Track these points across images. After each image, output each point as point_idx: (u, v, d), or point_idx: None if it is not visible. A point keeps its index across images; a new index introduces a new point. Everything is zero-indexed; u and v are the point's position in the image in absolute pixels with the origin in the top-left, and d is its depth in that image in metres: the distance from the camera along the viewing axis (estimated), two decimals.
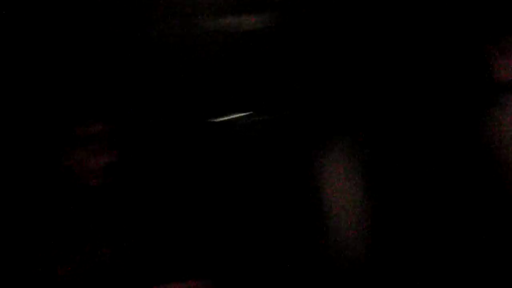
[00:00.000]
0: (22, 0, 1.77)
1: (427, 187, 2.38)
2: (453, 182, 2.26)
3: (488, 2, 1.54)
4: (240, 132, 2.62)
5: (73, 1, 1.81)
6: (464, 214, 2.15)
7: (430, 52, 2.37)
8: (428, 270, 2.31)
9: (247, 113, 2.66)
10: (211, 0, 2.09)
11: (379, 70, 2.44)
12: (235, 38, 2.28)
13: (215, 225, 2.43)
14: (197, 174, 2.48)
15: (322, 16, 2.23)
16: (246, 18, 2.19)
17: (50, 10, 1.80)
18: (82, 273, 1.37)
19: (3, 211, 1.39)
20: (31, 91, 1.38)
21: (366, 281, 2.36)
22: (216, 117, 2.63)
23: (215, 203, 2.49)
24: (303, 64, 2.47)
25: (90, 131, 1.30)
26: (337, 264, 2.46)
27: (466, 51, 2.07)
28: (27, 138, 1.34)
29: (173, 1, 2.05)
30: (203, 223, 2.36)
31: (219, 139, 2.59)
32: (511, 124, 1.74)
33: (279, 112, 2.62)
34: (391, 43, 2.37)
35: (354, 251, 2.46)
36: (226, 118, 2.64)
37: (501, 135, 1.73)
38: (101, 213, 1.45)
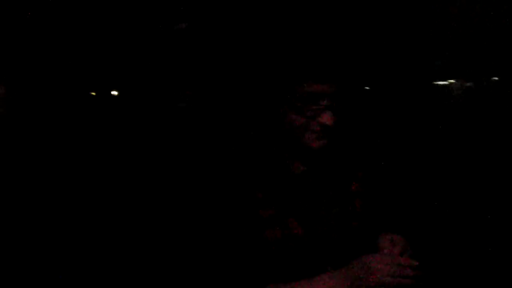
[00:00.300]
0: None
1: None
2: None
3: None
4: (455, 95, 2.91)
5: None
6: None
7: None
8: None
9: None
10: None
11: None
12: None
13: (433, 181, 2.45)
14: (415, 133, 2.59)
15: None
16: None
17: None
18: (312, 234, 1.40)
19: (227, 167, 1.44)
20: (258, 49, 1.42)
21: None
22: (438, 81, 2.96)
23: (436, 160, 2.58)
24: None
25: (316, 90, 1.30)
26: None
27: None
28: (252, 96, 1.37)
29: None
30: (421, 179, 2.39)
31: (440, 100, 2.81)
32: None
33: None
34: None
35: None
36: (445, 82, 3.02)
37: None
38: (319, 174, 1.46)
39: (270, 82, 1.35)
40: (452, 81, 3.15)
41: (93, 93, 3.93)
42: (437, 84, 3.11)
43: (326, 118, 1.32)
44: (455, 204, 2.62)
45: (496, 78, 3.04)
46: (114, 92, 3.70)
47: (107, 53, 3.35)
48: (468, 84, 3.07)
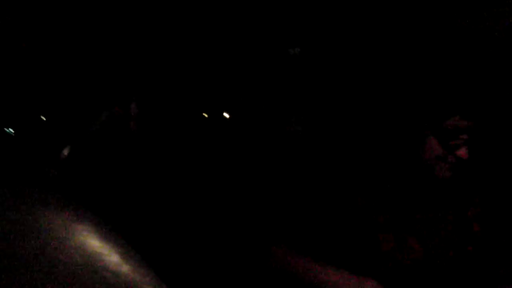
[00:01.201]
0: None
1: None
2: None
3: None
4: None
5: None
6: None
7: None
8: None
9: None
10: None
11: None
12: None
13: None
14: None
15: None
16: None
17: None
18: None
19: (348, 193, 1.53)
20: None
21: None
22: None
23: None
24: None
25: (456, 126, 1.40)
26: None
27: None
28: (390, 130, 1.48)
29: None
30: None
31: None
32: None
33: None
34: None
35: None
36: None
37: None
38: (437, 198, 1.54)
39: (418, 114, 1.42)
40: None
41: (205, 115, 4.20)
42: None
43: (464, 153, 1.41)
44: None
45: None
46: (226, 115, 3.93)
47: (222, 76, 3.59)
48: None
